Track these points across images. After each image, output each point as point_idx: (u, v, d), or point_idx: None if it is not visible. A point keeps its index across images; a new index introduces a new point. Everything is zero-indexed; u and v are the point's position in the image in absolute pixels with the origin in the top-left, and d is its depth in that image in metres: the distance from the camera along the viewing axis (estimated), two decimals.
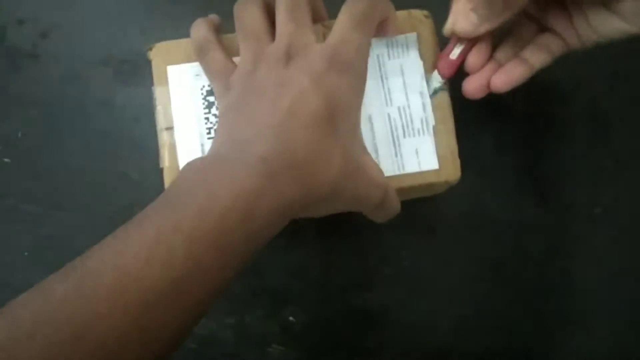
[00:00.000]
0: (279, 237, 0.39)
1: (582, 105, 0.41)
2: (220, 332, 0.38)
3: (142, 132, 0.40)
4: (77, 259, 0.22)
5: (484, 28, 0.30)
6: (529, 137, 0.41)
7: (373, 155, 0.31)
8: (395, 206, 0.30)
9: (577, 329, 0.39)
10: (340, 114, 0.26)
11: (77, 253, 0.23)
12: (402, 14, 0.32)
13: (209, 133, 0.31)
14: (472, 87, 0.32)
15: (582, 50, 0.33)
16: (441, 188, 0.34)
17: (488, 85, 0.32)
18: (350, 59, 0.27)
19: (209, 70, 0.30)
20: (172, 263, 0.22)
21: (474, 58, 0.32)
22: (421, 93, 0.32)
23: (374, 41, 0.32)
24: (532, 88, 0.33)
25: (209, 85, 0.31)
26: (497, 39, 0.33)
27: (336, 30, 0.28)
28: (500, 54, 0.33)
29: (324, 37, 0.28)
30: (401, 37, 0.32)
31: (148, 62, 0.32)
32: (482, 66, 0.32)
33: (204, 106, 0.31)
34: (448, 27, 0.31)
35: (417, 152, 0.32)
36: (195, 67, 0.32)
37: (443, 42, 0.32)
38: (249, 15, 0.29)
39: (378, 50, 0.32)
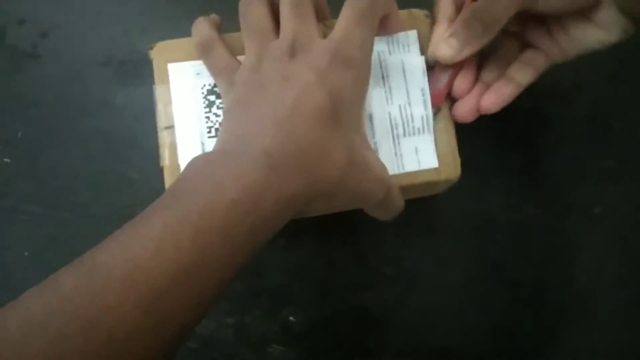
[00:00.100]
0: (279, 237, 0.39)
1: (582, 106, 0.41)
2: (220, 332, 0.38)
3: (142, 132, 0.40)
4: (86, 253, 0.23)
5: (465, 52, 0.30)
6: (530, 137, 0.41)
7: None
8: (398, 203, 0.30)
9: (577, 329, 0.39)
10: (344, 108, 0.27)
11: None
12: (402, 13, 0.33)
13: (209, 132, 0.31)
14: (462, 111, 0.32)
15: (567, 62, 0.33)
16: (442, 187, 0.34)
17: (478, 108, 0.32)
18: (354, 53, 0.27)
19: (212, 68, 0.30)
20: (179, 254, 0.22)
21: (461, 82, 0.32)
22: (422, 90, 0.32)
23: (375, 39, 0.32)
24: (533, 88, 0.33)
25: (209, 84, 0.31)
26: (481, 60, 0.33)
27: (339, 26, 0.28)
28: (487, 74, 0.33)
29: (325, 36, 0.28)
30: (402, 34, 0.32)
31: (148, 62, 0.32)
32: (470, 90, 0.32)
33: (205, 105, 0.31)
34: (429, 51, 0.31)
35: (416, 151, 0.32)
36: (196, 66, 0.32)
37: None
38: (254, 12, 0.29)
39: (379, 48, 0.32)
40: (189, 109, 0.31)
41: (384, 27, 0.31)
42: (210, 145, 0.31)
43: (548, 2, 0.29)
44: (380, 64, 0.32)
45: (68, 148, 0.40)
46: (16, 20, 0.42)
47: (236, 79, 0.29)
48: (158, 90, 0.32)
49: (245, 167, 0.24)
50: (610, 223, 0.40)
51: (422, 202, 0.38)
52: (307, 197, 0.26)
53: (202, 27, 0.30)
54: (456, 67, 0.32)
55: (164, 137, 0.31)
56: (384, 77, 0.32)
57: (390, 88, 0.32)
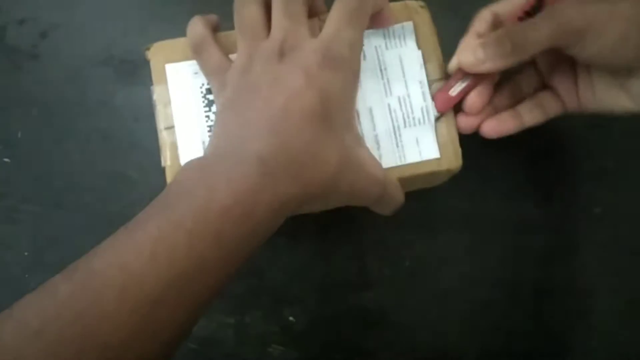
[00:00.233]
0: (279, 237, 0.39)
1: None
2: (220, 332, 0.38)
3: (142, 132, 0.40)
4: (80, 259, 0.23)
5: (487, 66, 0.29)
6: (529, 137, 0.41)
7: (374, 147, 0.31)
8: (397, 198, 0.30)
9: (577, 329, 0.39)
10: (334, 109, 0.27)
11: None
12: (397, 5, 0.33)
13: (209, 131, 0.31)
14: (464, 123, 0.32)
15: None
16: (443, 177, 0.34)
17: (478, 126, 0.32)
18: (343, 54, 0.27)
19: (205, 68, 0.30)
20: (174, 261, 0.22)
21: (476, 99, 0.31)
22: (420, 82, 0.32)
23: (371, 33, 0.32)
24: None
25: (208, 84, 0.31)
26: (497, 85, 0.33)
27: (328, 26, 0.28)
28: (498, 99, 0.33)
29: (320, 30, 0.28)
30: (398, 26, 0.32)
31: (148, 62, 0.32)
32: (481, 109, 0.32)
33: (204, 104, 0.31)
34: (453, 59, 0.31)
35: (417, 142, 0.31)
36: (193, 66, 0.31)
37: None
38: (247, 11, 0.29)
39: (376, 42, 0.32)
40: (188, 108, 0.31)
41: (377, 22, 0.31)
42: None
43: (586, 51, 0.29)
44: (378, 57, 0.32)
45: (68, 148, 0.40)
46: (16, 20, 0.42)
47: (227, 80, 0.29)
48: (157, 91, 0.32)
49: (237, 173, 0.24)
50: (610, 223, 0.40)
51: (423, 202, 0.38)
52: (302, 199, 0.26)
53: (196, 26, 0.30)
54: (473, 81, 0.31)
55: (164, 137, 0.31)
56: (381, 70, 0.32)
57: (388, 80, 0.32)
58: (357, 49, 0.28)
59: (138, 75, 0.41)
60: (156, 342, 0.22)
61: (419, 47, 0.32)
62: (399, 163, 0.31)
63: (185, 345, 0.38)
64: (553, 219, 0.40)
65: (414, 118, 0.32)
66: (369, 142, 0.31)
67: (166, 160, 0.31)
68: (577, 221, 0.40)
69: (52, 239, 0.39)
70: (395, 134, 0.31)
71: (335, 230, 0.40)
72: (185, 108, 0.31)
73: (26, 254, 0.39)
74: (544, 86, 0.34)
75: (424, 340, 0.39)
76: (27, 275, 0.39)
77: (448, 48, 0.33)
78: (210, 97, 0.31)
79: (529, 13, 0.31)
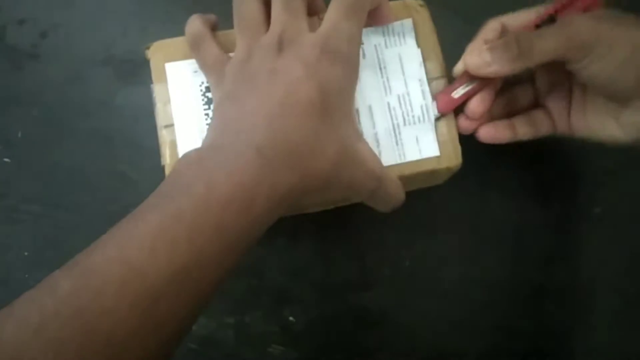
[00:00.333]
0: (279, 237, 0.39)
1: None
2: (220, 332, 0.38)
3: (141, 131, 0.40)
4: (80, 254, 0.23)
5: (493, 69, 0.30)
6: None
7: (374, 145, 0.31)
8: (395, 195, 0.30)
9: (577, 329, 0.39)
10: (333, 102, 0.27)
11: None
12: (397, 4, 0.33)
13: (204, 140, 0.31)
14: (464, 125, 0.32)
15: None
16: (443, 176, 0.34)
17: (476, 129, 0.33)
18: (341, 47, 0.27)
19: (203, 63, 0.30)
20: (175, 254, 0.22)
21: (478, 104, 0.32)
22: (420, 80, 0.32)
23: (371, 31, 0.32)
24: (533, 87, 0.33)
25: (207, 82, 0.31)
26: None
27: (327, 20, 0.28)
28: (493, 106, 0.33)
29: (314, 30, 0.28)
30: (397, 24, 0.32)
31: (147, 62, 0.32)
32: (482, 115, 0.32)
33: (204, 102, 0.31)
34: (460, 62, 0.31)
35: (417, 140, 0.31)
36: (193, 64, 0.32)
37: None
38: (246, 6, 0.29)
39: (375, 40, 0.32)
40: (187, 107, 0.31)
41: (375, 18, 0.31)
42: None
43: (589, 68, 0.29)
44: (377, 55, 0.32)
45: (68, 148, 0.40)
46: (16, 20, 0.42)
47: (226, 73, 0.29)
48: (156, 90, 0.32)
49: (237, 164, 0.24)
50: (610, 223, 0.40)
51: (422, 202, 0.38)
52: (300, 191, 0.26)
53: (194, 23, 0.30)
54: (477, 86, 0.31)
55: (163, 135, 0.31)
56: (381, 68, 0.32)
57: (388, 79, 0.32)
58: (355, 43, 0.28)
59: (138, 75, 0.41)
60: (157, 337, 0.22)
61: (419, 46, 0.32)
62: (398, 161, 0.31)
63: (185, 345, 0.38)
64: (553, 219, 0.40)
65: (413, 116, 0.32)
66: (369, 140, 0.31)
67: (166, 158, 0.31)
68: (577, 221, 0.40)
69: (52, 239, 0.39)
70: (394, 132, 0.31)
71: (335, 230, 0.40)
72: (184, 106, 0.31)
73: (26, 254, 0.39)
74: (538, 104, 0.35)
75: (423, 340, 0.39)
76: (27, 275, 0.39)
77: (448, 48, 0.33)
78: (210, 95, 0.31)
79: (540, 27, 0.31)
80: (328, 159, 0.26)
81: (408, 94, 0.32)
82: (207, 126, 0.31)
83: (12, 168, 0.40)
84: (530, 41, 0.29)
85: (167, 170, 0.31)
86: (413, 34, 0.32)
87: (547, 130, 0.34)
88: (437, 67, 0.32)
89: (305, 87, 0.26)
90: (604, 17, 0.29)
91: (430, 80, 0.32)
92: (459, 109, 0.32)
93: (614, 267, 0.40)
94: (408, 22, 0.32)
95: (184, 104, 0.31)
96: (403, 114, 0.32)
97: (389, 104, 0.32)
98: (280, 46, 0.27)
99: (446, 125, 0.32)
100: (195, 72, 0.32)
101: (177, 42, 0.32)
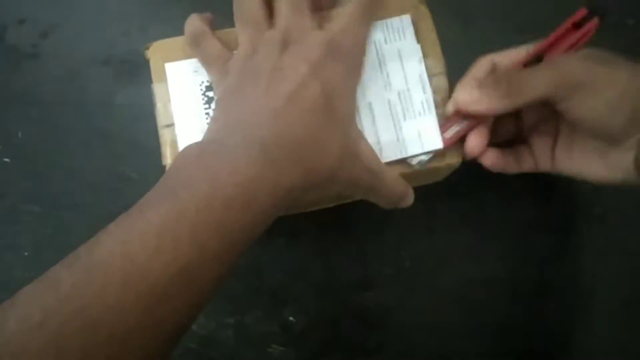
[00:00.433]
0: (279, 237, 0.39)
1: None
2: (220, 332, 0.38)
3: (141, 131, 0.40)
4: (82, 248, 0.23)
5: (482, 107, 0.30)
6: None
7: (374, 141, 0.31)
8: (395, 192, 0.30)
9: (577, 329, 0.39)
10: (337, 101, 0.27)
11: None
12: (396, 0, 0.33)
13: (205, 132, 0.31)
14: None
15: None
16: (444, 173, 0.34)
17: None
18: (347, 47, 0.27)
19: (204, 59, 0.30)
20: (178, 252, 0.22)
21: (475, 144, 0.31)
22: (420, 75, 0.32)
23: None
24: None
25: (207, 81, 0.31)
26: None
27: (339, 18, 0.28)
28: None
29: (319, 26, 0.28)
30: (396, 20, 0.32)
31: (147, 62, 0.32)
32: (480, 152, 0.32)
33: (204, 102, 0.31)
34: (450, 101, 0.31)
35: (419, 134, 0.31)
36: (193, 64, 0.32)
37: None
38: (248, 3, 0.29)
39: (374, 36, 0.32)
40: (188, 106, 0.31)
41: None
42: None
43: (578, 108, 0.29)
44: (377, 51, 0.32)
45: (68, 148, 0.40)
46: (16, 20, 0.42)
47: (229, 67, 0.29)
48: (156, 89, 0.32)
49: (240, 161, 0.24)
50: (610, 223, 0.40)
51: (422, 202, 0.38)
52: (302, 187, 0.26)
53: (193, 21, 0.30)
54: (468, 126, 0.31)
55: (164, 135, 0.31)
56: (381, 65, 0.32)
57: (388, 75, 0.32)
58: (361, 44, 0.28)
59: (138, 75, 0.41)
60: (158, 334, 0.22)
61: (418, 42, 0.32)
62: (400, 156, 0.31)
63: (185, 345, 0.38)
64: (553, 219, 0.40)
65: (414, 111, 0.32)
66: (369, 137, 0.31)
67: (166, 158, 0.31)
68: (577, 221, 0.40)
69: (52, 239, 0.39)
70: (395, 127, 0.31)
71: (335, 230, 0.40)
72: (185, 106, 0.31)
73: (26, 254, 0.39)
74: (521, 138, 0.35)
75: (424, 340, 0.39)
76: (27, 275, 0.39)
77: (447, 49, 0.33)
78: (210, 94, 0.31)
79: (528, 66, 0.31)
80: (331, 156, 0.26)
81: (408, 90, 0.32)
82: (208, 125, 0.31)
83: (12, 168, 0.40)
84: (520, 80, 0.29)
85: None
86: (412, 30, 0.32)
87: (529, 167, 0.34)
88: (437, 63, 0.32)
89: (310, 85, 0.26)
90: (592, 56, 0.29)
91: (430, 76, 0.32)
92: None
93: (614, 267, 0.40)
94: (407, 18, 0.32)
95: (184, 103, 0.31)
96: (403, 110, 0.32)
97: (389, 100, 0.32)
98: (285, 43, 0.27)
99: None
100: (195, 71, 0.32)
101: (176, 42, 0.32)
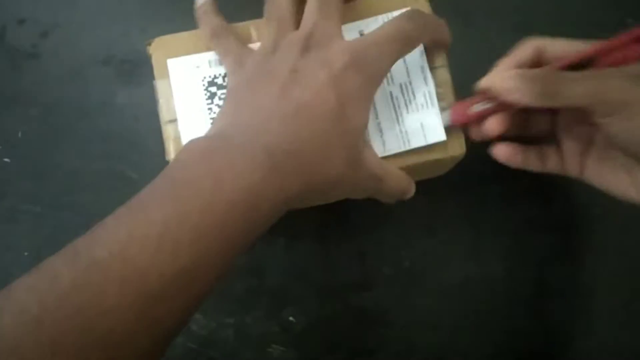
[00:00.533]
0: (279, 237, 0.39)
1: None
2: (220, 332, 0.38)
3: (142, 132, 0.40)
4: (80, 243, 0.22)
5: (514, 98, 0.28)
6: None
7: (377, 136, 0.31)
8: (397, 189, 0.30)
9: (577, 329, 0.39)
10: (350, 113, 0.26)
11: None
12: None
13: (212, 124, 0.31)
14: (475, 135, 0.32)
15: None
16: (447, 165, 0.34)
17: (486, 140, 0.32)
18: (372, 63, 0.27)
19: (222, 51, 0.30)
20: (177, 256, 0.22)
21: (495, 125, 0.31)
22: (422, 67, 0.32)
23: (370, 21, 0.32)
24: None
25: (210, 76, 0.32)
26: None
27: (371, 34, 0.28)
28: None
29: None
30: (396, 13, 0.32)
31: (148, 62, 0.32)
32: (497, 135, 0.31)
33: (206, 97, 0.31)
34: (484, 79, 0.30)
35: (422, 126, 0.31)
36: (195, 59, 0.32)
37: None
38: (279, 0, 0.29)
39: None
40: (190, 102, 0.31)
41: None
42: None
43: (614, 126, 0.27)
44: None
45: (68, 148, 0.40)
46: (16, 20, 0.42)
47: (248, 60, 0.29)
48: (159, 85, 0.32)
49: (245, 165, 0.24)
50: (610, 223, 0.40)
51: (422, 202, 0.38)
52: (303, 195, 0.26)
53: (210, 17, 0.31)
54: (495, 107, 0.31)
55: (167, 131, 0.31)
56: None
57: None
58: (386, 65, 0.28)
59: (138, 75, 0.41)
60: (153, 334, 0.22)
61: None
62: (402, 149, 0.31)
63: (185, 345, 0.38)
64: (553, 219, 0.40)
65: (416, 104, 0.31)
66: (372, 130, 0.31)
67: (170, 153, 0.31)
68: (577, 221, 0.40)
69: (52, 239, 0.39)
70: (397, 120, 0.31)
71: (335, 230, 0.39)
72: (187, 101, 0.31)
73: (26, 254, 0.39)
74: (552, 137, 0.33)
75: (423, 340, 0.39)
76: None
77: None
78: (213, 89, 0.32)
79: (573, 67, 0.29)
80: (335, 167, 0.26)
81: (410, 83, 0.32)
82: (211, 120, 0.31)
83: (12, 168, 0.40)
84: (559, 83, 0.27)
85: None
86: None
87: (553, 168, 0.33)
88: (439, 57, 0.32)
89: (325, 95, 0.26)
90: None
91: (432, 69, 0.32)
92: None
93: (614, 267, 0.40)
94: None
95: (187, 99, 0.31)
96: (406, 102, 0.31)
97: (391, 93, 0.32)
98: (307, 46, 0.27)
99: (450, 114, 0.32)
100: (198, 67, 0.32)
101: (178, 38, 0.32)
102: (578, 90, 0.27)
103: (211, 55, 0.32)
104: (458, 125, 0.31)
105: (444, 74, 0.32)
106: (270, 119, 0.25)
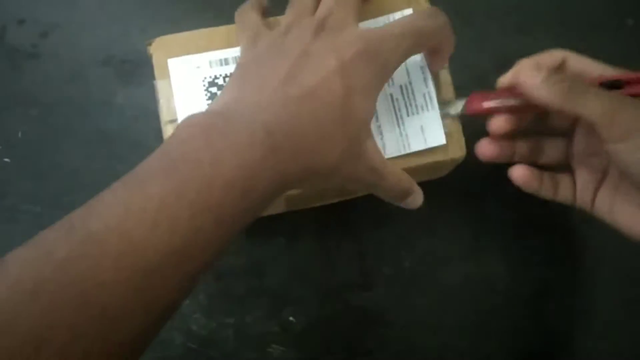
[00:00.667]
0: (279, 237, 0.39)
1: None
2: (220, 332, 0.38)
3: (142, 132, 0.40)
4: (76, 215, 0.22)
5: (539, 92, 0.28)
6: None
7: (377, 137, 0.31)
8: (396, 188, 0.29)
9: (577, 329, 0.39)
10: (356, 103, 0.26)
11: None
12: None
13: (215, 99, 0.31)
14: (483, 150, 0.32)
15: None
16: (447, 168, 0.34)
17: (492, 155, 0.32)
18: (384, 53, 0.27)
19: (242, 26, 0.30)
20: (174, 232, 0.22)
21: (502, 123, 0.31)
22: (422, 68, 0.32)
23: (371, 22, 0.32)
24: None
25: (210, 77, 0.32)
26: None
27: (390, 24, 0.27)
28: (518, 143, 0.33)
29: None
30: (397, 15, 0.32)
31: (148, 62, 0.32)
32: (502, 134, 0.31)
33: (207, 97, 0.31)
34: (508, 74, 0.30)
35: (422, 129, 0.31)
36: (196, 59, 0.32)
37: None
38: None
39: None
40: (191, 101, 0.31)
41: (431, 59, 0.31)
42: None
43: (624, 155, 0.27)
44: None
45: (68, 148, 0.40)
46: (16, 20, 0.42)
47: (261, 39, 0.29)
48: (159, 85, 0.32)
49: (243, 144, 0.24)
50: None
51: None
52: (301, 178, 0.26)
53: (247, 6, 0.31)
54: (512, 107, 0.31)
55: (168, 131, 0.31)
56: None
57: None
58: (398, 57, 0.28)
59: (138, 75, 0.41)
60: (148, 313, 0.22)
61: None
62: (403, 152, 0.31)
63: (185, 345, 0.38)
64: (553, 219, 0.40)
65: (416, 106, 0.31)
66: (372, 133, 0.31)
67: None
68: (577, 222, 0.40)
69: None
70: (398, 123, 0.31)
71: (335, 231, 0.39)
72: (188, 101, 0.31)
73: None
74: (566, 166, 0.33)
75: (423, 340, 0.39)
76: None
77: None
78: (213, 90, 0.32)
79: (606, 86, 0.29)
80: (333, 155, 0.26)
81: (410, 83, 0.32)
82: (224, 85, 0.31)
83: (12, 168, 0.40)
84: (583, 92, 0.27)
85: None
86: None
87: (565, 198, 0.33)
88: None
89: (332, 82, 0.25)
90: None
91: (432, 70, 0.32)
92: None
93: (614, 267, 0.40)
94: (408, 12, 0.32)
95: (188, 98, 0.31)
96: (406, 104, 0.31)
97: (391, 95, 0.32)
98: (319, 29, 0.27)
99: (450, 118, 0.32)
100: (198, 67, 0.32)
101: (179, 38, 0.32)
102: (596, 103, 0.27)
103: (212, 56, 0.32)
104: (470, 114, 0.31)
105: (444, 74, 0.32)
106: (274, 100, 0.25)
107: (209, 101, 0.31)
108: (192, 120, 0.25)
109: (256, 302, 0.39)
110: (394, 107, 0.31)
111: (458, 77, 0.33)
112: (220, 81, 0.32)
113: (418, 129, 0.31)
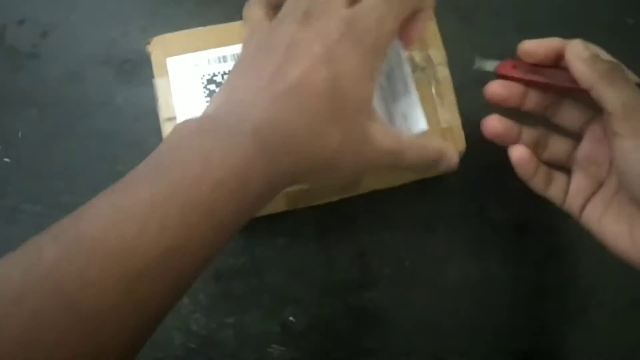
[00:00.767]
0: (279, 237, 0.39)
1: None
2: (220, 332, 0.38)
3: (142, 131, 0.40)
4: (67, 220, 0.22)
5: (582, 65, 0.28)
6: None
7: None
8: (422, 161, 0.29)
9: (577, 328, 0.39)
10: (347, 86, 0.25)
11: None
12: None
13: (210, 101, 0.31)
14: (493, 90, 0.32)
15: None
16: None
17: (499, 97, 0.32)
18: (370, 29, 0.26)
19: (245, 20, 0.30)
20: (164, 233, 0.22)
21: (503, 87, 0.31)
22: (396, 52, 0.30)
23: None
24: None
25: (208, 74, 0.32)
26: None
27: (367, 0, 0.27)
28: (528, 132, 0.33)
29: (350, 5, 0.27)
30: None
31: (148, 62, 0.32)
32: (496, 97, 0.31)
33: (205, 95, 0.32)
34: (554, 39, 0.30)
35: (405, 117, 0.30)
36: (194, 57, 0.32)
37: None
38: None
39: None
40: (190, 99, 0.32)
41: (405, 32, 0.30)
42: None
43: (629, 153, 0.27)
44: None
45: (68, 148, 0.40)
46: (16, 20, 0.42)
47: (256, 33, 0.28)
48: (158, 84, 0.32)
49: (232, 145, 0.24)
50: None
51: (422, 202, 0.38)
52: (295, 175, 0.25)
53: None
54: (534, 80, 0.31)
55: (167, 129, 0.32)
56: None
57: None
58: (386, 28, 0.26)
59: (138, 75, 0.41)
60: (137, 316, 0.22)
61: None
62: None
63: (185, 345, 0.38)
64: (553, 219, 0.40)
65: (397, 92, 0.31)
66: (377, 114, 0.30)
67: None
68: (577, 221, 0.40)
69: None
70: (387, 111, 0.31)
71: (335, 230, 0.39)
72: (186, 99, 0.32)
73: None
74: (565, 167, 0.33)
75: (424, 340, 0.39)
76: None
77: (447, 43, 0.33)
78: (211, 87, 0.32)
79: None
80: (329, 148, 0.25)
81: (392, 70, 0.31)
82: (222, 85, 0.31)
83: (12, 168, 0.40)
84: (617, 78, 0.28)
85: None
86: None
87: (554, 197, 0.33)
88: (438, 53, 0.32)
89: (317, 70, 0.25)
90: None
91: (432, 66, 0.32)
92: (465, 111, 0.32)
93: (614, 267, 0.39)
94: None
95: (186, 96, 0.32)
96: (392, 92, 0.31)
97: (380, 83, 0.31)
98: (306, 15, 0.26)
99: (449, 112, 0.32)
100: (197, 65, 0.32)
101: (178, 37, 0.32)
102: (624, 93, 0.27)
103: (210, 54, 0.32)
104: (499, 75, 0.32)
105: (444, 71, 0.32)
106: (262, 98, 0.25)
107: (208, 98, 0.31)
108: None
109: (256, 302, 0.39)
110: (384, 96, 0.31)
111: (458, 77, 0.33)
112: (218, 78, 0.32)
113: (402, 118, 0.31)
